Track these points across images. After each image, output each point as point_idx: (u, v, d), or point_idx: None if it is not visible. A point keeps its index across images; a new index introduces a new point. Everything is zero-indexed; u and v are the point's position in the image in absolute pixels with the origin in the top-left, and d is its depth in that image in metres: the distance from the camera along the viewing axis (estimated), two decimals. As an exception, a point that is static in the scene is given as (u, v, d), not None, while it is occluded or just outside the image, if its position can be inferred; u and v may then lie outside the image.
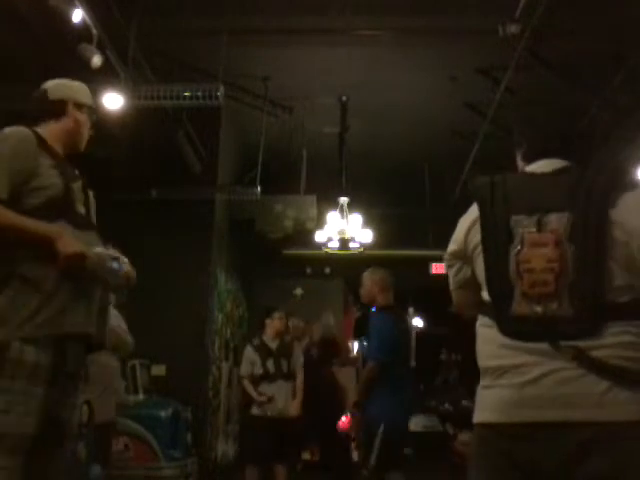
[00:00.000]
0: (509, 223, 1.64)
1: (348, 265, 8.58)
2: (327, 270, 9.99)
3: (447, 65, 6.69)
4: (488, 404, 1.61)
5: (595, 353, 1.49)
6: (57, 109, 2.29)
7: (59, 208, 2.09)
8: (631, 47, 5.86)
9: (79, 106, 2.33)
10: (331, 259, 8.65)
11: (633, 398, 1.47)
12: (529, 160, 1.82)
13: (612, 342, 1.50)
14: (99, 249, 2.17)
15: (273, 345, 5.56)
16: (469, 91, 6.95)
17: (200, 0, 5.52)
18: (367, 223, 7.50)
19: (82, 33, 4.59)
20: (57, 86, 2.35)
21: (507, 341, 1.59)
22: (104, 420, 3.81)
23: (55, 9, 4.41)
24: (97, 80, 5.11)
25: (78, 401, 2.19)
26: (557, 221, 1.58)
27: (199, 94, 5.23)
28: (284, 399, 5.40)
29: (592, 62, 6.09)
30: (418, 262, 9.40)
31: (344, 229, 7.25)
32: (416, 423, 8.50)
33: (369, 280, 4.41)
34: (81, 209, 2.20)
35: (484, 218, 1.70)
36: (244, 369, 5.58)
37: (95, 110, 2.43)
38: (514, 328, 1.59)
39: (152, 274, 4.64)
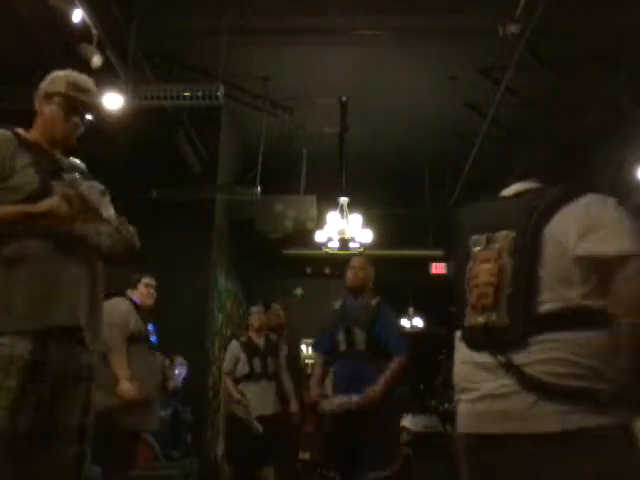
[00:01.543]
0: (468, 243, 1.83)
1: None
2: (327, 270, 9.98)
3: (447, 65, 6.69)
4: (459, 416, 1.82)
5: (528, 370, 1.63)
6: (34, 105, 2.29)
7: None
8: (631, 47, 5.86)
9: (48, 96, 2.27)
10: (331, 259, 8.64)
11: (557, 411, 1.59)
12: (512, 183, 1.98)
13: (543, 357, 1.63)
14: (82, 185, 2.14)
15: (260, 342, 5.43)
16: (469, 91, 6.95)
17: (200, 0, 5.52)
18: (367, 223, 7.49)
19: (82, 33, 4.58)
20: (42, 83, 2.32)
21: (465, 357, 1.80)
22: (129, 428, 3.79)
23: (55, 9, 4.41)
24: (97, 80, 5.11)
25: (85, 404, 2.08)
26: (503, 238, 1.74)
27: (199, 94, 5.23)
28: (268, 399, 5.29)
29: (592, 62, 6.10)
30: (418, 262, 9.40)
31: (344, 229, 7.25)
32: (416, 423, 8.48)
33: (366, 264, 4.02)
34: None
35: (457, 243, 1.91)
36: (227, 365, 5.38)
37: (70, 95, 2.27)
38: (467, 337, 1.80)
39: (152, 274, 4.62)
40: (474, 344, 1.77)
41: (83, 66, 4.65)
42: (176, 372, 5.86)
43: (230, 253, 8.33)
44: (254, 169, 7.46)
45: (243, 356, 5.33)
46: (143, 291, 4.26)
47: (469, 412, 1.76)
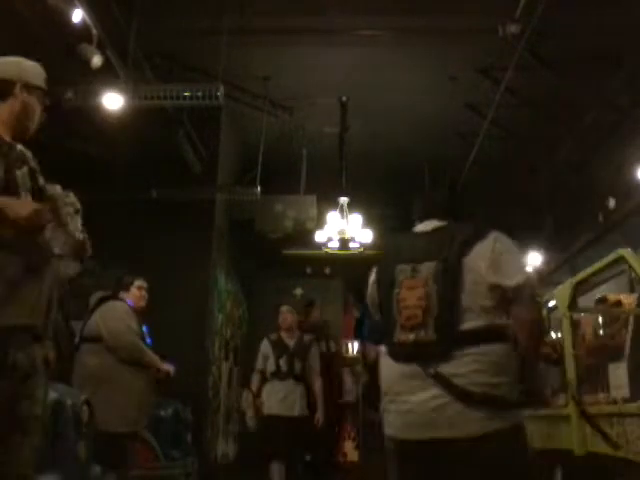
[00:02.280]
0: (394, 272, 2.15)
1: (348, 265, 8.58)
2: (327, 270, 9.98)
3: (447, 65, 6.69)
4: (391, 422, 2.10)
5: (456, 381, 1.93)
6: (2, 89, 2.14)
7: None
8: (631, 47, 5.86)
9: (29, 88, 2.17)
10: (331, 259, 8.64)
11: (479, 417, 1.90)
12: (420, 220, 2.34)
13: (465, 370, 1.94)
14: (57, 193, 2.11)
15: (290, 343, 5.42)
16: (469, 91, 6.95)
17: (200, 0, 5.52)
18: (367, 223, 7.49)
19: (82, 33, 4.58)
20: (6, 64, 2.20)
21: (393, 370, 2.07)
22: (114, 430, 3.79)
23: (55, 9, 4.41)
24: (97, 80, 5.12)
25: (41, 395, 2.08)
26: (427, 268, 2.08)
27: (199, 94, 5.22)
28: (294, 400, 5.26)
29: (592, 62, 6.09)
30: (418, 262, 9.39)
31: (344, 229, 7.25)
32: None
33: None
34: (27, 197, 2.05)
35: (380, 271, 2.27)
36: (258, 363, 5.43)
37: (47, 93, 2.23)
38: (396, 352, 2.09)
39: (152, 274, 4.63)
40: (404, 358, 2.06)
41: (83, 66, 4.67)
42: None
43: (230, 253, 8.33)
44: (254, 169, 7.46)
45: (271, 354, 5.34)
46: (136, 293, 4.29)
47: (403, 419, 2.03)
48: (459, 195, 2.43)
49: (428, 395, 1.96)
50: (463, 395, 1.91)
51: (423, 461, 1.99)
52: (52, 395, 3.38)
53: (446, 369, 1.95)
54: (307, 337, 5.58)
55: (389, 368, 2.12)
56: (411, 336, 2.04)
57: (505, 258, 2.08)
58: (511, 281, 2.03)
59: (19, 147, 2.16)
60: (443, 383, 1.93)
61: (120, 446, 3.86)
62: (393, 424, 2.08)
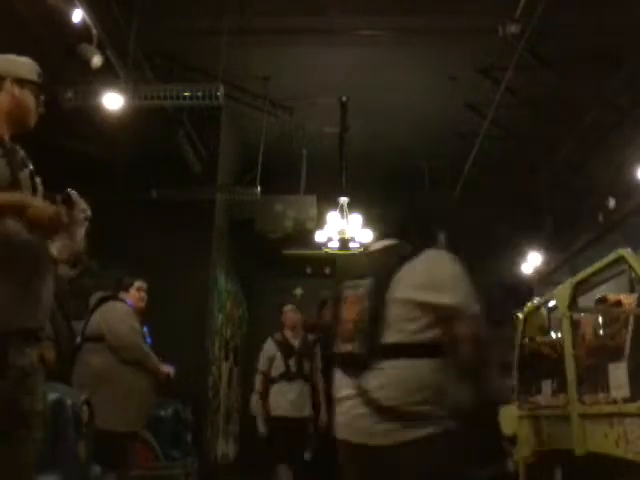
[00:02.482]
0: (342, 288, 2.31)
1: (348, 265, 8.58)
2: (327, 270, 9.98)
3: (447, 65, 6.69)
4: (337, 423, 2.26)
5: (373, 394, 2.08)
6: None
7: None
8: (631, 47, 5.86)
9: (20, 82, 2.17)
10: (331, 259, 8.64)
11: (392, 429, 2.05)
12: (378, 239, 2.47)
13: (385, 383, 2.07)
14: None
15: (295, 343, 5.33)
16: (469, 91, 6.95)
17: (200, 0, 5.52)
18: (367, 223, 7.49)
19: (82, 33, 4.58)
20: None
21: (338, 377, 2.26)
22: (115, 429, 3.79)
23: (55, 9, 4.41)
24: (97, 80, 5.12)
25: (41, 393, 2.13)
26: (365, 285, 2.22)
27: (199, 94, 5.23)
28: (303, 401, 5.19)
29: (592, 62, 6.09)
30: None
31: (344, 229, 7.25)
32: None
33: None
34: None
35: (333, 287, 2.48)
36: (262, 364, 5.27)
37: (42, 87, 2.23)
38: (338, 362, 2.27)
39: (152, 274, 4.63)
40: (341, 368, 2.25)
41: (83, 66, 4.66)
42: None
43: (230, 253, 8.33)
44: (254, 169, 7.46)
45: (278, 355, 5.24)
46: (135, 294, 4.30)
47: (340, 422, 2.22)
48: (423, 215, 2.59)
49: (351, 404, 2.15)
50: (378, 408, 2.06)
51: (352, 461, 2.20)
52: (52, 395, 3.39)
53: (365, 381, 2.10)
54: (310, 337, 5.50)
55: (335, 375, 2.32)
56: (346, 348, 2.22)
57: (439, 277, 2.16)
58: (444, 299, 2.11)
59: (16, 146, 2.17)
60: (362, 395, 2.10)
61: (120, 446, 3.87)
62: (336, 424, 2.28)
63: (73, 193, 2.16)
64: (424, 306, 2.11)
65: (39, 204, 2.00)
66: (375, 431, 2.07)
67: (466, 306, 2.11)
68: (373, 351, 2.11)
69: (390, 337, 2.11)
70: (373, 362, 2.10)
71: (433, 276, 2.15)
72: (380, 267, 2.24)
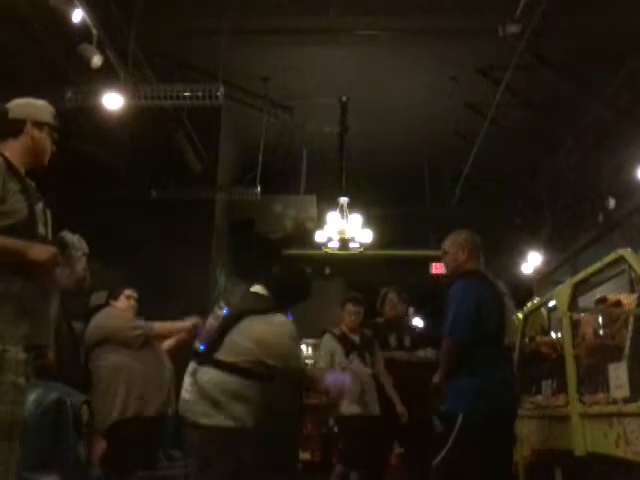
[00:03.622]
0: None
1: (348, 265, 8.58)
2: (327, 270, 9.98)
3: (447, 65, 6.70)
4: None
5: (205, 385, 2.82)
6: (15, 127, 2.36)
7: (23, 231, 2.21)
8: (631, 47, 5.87)
9: (39, 125, 2.39)
10: (331, 259, 8.64)
11: (212, 412, 2.77)
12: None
13: (206, 379, 2.84)
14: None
15: (356, 338, 4.88)
16: (469, 91, 6.96)
17: (200, 0, 5.52)
18: (367, 223, 7.49)
19: (82, 33, 4.59)
20: (18, 105, 2.42)
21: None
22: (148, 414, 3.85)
23: (55, 9, 4.41)
24: (97, 80, 5.12)
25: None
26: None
27: (199, 94, 5.23)
28: (372, 397, 4.89)
29: (592, 62, 6.10)
30: (418, 262, 9.40)
31: (344, 229, 7.25)
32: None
33: (452, 244, 3.41)
34: (42, 230, 2.32)
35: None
36: (324, 360, 4.82)
37: (56, 128, 2.46)
38: None
39: (152, 274, 4.63)
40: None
41: (83, 66, 4.66)
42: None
43: (230, 253, 8.33)
44: (254, 169, 7.46)
45: (340, 350, 4.83)
46: (125, 302, 4.30)
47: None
48: (278, 274, 3.25)
49: (195, 388, 2.91)
50: (205, 396, 2.81)
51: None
52: (52, 395, 3.39)
53: (205, 380, 2.86)
54: (368, 332, 5.17)
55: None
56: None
57: (277, 342, 2.91)
58: (269, 361, 2.84)
59: (30, 181, 2.36)
60: (199, 386, 2.87)
61: (153, 430, 3.93)
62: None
63: (67, 236, 2.47)
64: (255, 358, 2.86)
65: (36, 249, 2.22)
66: (194, 411, 2.85)
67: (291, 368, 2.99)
68: (211, 362, 2.91)
69: (223, 356, 2.87)
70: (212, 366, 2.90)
71: (267, 338, 2.90)
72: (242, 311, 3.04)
